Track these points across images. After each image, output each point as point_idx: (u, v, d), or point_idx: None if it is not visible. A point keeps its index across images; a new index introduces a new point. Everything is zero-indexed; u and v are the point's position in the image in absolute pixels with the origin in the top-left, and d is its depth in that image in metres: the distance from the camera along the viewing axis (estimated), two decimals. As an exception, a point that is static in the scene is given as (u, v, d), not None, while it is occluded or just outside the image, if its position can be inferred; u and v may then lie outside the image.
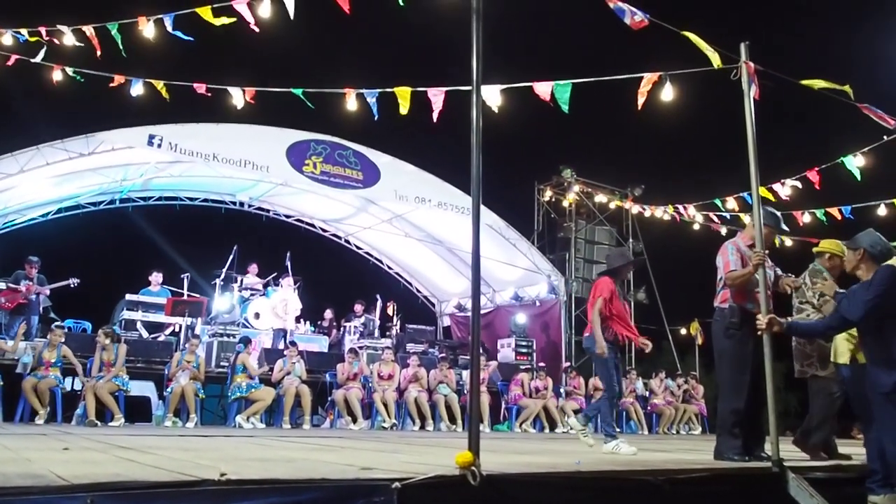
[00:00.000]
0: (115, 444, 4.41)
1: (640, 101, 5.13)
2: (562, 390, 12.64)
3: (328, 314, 13.78)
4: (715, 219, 12.58)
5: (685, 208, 12.75)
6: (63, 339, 9.07)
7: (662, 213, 13.44)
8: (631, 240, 17.17)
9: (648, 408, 12.92)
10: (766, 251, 4.47)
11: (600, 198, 16.43)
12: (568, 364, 13.83)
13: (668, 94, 5.21)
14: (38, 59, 7.36)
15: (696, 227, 13.02)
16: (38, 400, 8.51)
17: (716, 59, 4.52)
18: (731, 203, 11.25)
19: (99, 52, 7.15)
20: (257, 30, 6.04)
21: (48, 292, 10.87)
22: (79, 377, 9.10)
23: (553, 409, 11.93)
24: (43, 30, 7.08)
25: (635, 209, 15.64)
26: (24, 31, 7.20)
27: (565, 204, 16.72)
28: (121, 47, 6.81)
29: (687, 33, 4.54)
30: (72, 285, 10.91)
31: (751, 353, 4.51)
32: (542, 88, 5.67)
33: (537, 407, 11.77)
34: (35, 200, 12.08)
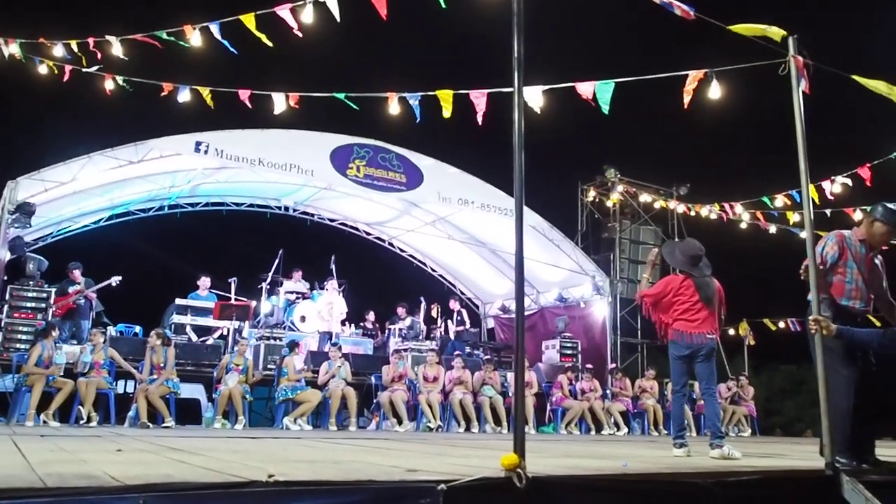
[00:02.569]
0: (167, 446, 4.50)
1: (686, 99, 5.04)
2: (608, 392, 12.52)
3: (371, 317, 13.88)
4: (762, 217, 12.32)
5: (732, 207, 12.51)
6: (104, 340, 9.28)
7: (709, 212, 13.21)
8: (677, 239, 16.87)
9: (695, 409, 12.70)
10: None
11: (645, 197, 16.20)
12: (614, 365, 13.68)
13: (714, 91, 5.10)
14: (93, 69, 7.57)
15: (744, 225, 12.77)
16: (88, 401, 8.72)
17: (775, 33, 4.34)
18: (780, 201, 11.00)
19: (148, 60, 7.33)
20: (300, 35, 6.11)
21: (94, 295, 11.18)
22: (134, 379, 9.31)
23: (599, 411, 11.82)
24: (91, 41, 7.28)
25: (681, 208, 15.39)
26: (73, 44, 7.42)
27: (609, 204, 16.54)
28: (180, 43, 6.94)
29: (735, 26, 4.43)
30: (113, 284, 11.16)
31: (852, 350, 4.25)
32: (585, 88, 5.62)
33: (581, 408, 11.68)
34: (88, 208, 12.43)
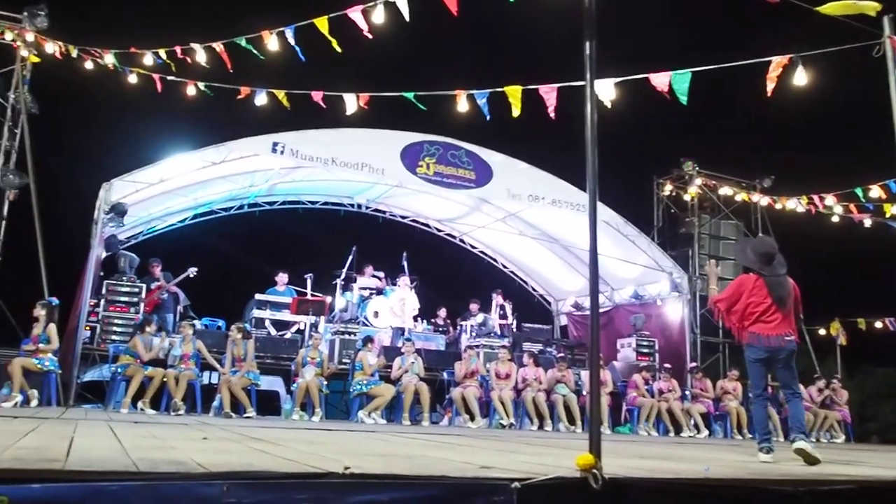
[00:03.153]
0: (248, 436, 4.64)
1: (770, 86, 4.86)
2: (687, 393, 12.19)
3: (442, 313, 13.94)
4: (856, 210, 11.74)
5: (821, 199, 11.97)
6: (192, 332, 9.66)
7: (795, 204, 12.69)
8: (761, 234, 16.29)
9: (781, 413, 12.22)
10: None
11: (725, 190, 15.70)
12: (694, 365, 13.27)
13: (800, 78, 4.90)
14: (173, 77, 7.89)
15: (835, 218, 12.19)
16: (179, 392, 9.11)
17: (870, 6, 4.12)
18: (875, 191, 10.44)
19: (229, 66, 7.59)
20: (370, 37, 6.19)
21: (175, 288, 11.68)
22: (216, 371, 9.67)
23: (678, 413, 11.51)
24: (178, 49, 7.59)
25: (764, 201, 14.87)
26: (161, 52, 7.75)
27: (687, 198, 16.09)
28: (255, 52, 7.16)
29: (825, 6, 4.23)
30: (191, 275, 11.65)
31: None
32: (659, 80, 5.50)
33: (654, 405, 11.41)
34: (174, 207, 12.95)
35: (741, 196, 15.62)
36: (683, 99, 5.29)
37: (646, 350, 13.79)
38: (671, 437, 11.00)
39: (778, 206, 13.07)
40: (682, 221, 16.21)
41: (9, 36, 10.56)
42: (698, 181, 15.82)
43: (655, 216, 16.52)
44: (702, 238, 15.98)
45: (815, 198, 11.97)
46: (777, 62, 4.79)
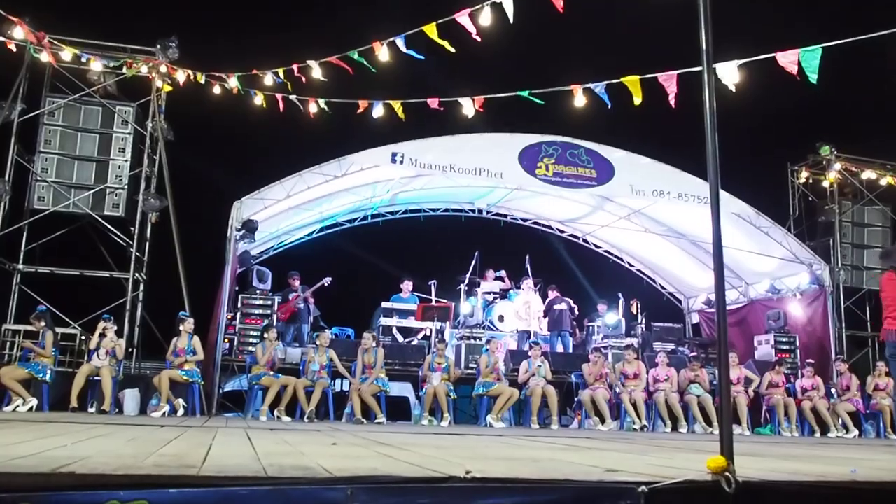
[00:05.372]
0: (376, 441, 4.75)
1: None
2: (832, 390, 11.38)
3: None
4: None
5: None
6: (327, 343, 10.03)
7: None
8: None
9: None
10: None
11: (868, 174, 14.56)
12: (839, 361, 12.35)
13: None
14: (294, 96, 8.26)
15: None
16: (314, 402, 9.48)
17: None
18: None
19: (345, 81, 7.86)
20: (479, 39, 6.21)
21: (311, 297, 12.21)
22: (347, 379, 10.00)
23: (824, 412, 10.78)
24: (295, 67, 7.94)
25: (913, 185, 13.72)
26: (280, 71, 8.14)
27: (825, 185, 15.04)
28: (367, 65, 7.38)
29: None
30: (326, 284, 12.20)
31: None
32: (787, 58, 5.17)
33: (791, 405, 10.74)
34: (301, 222, 13.55)
35: (886, 180, 14.44)
36: (813, 78, 4.94)
37: (785, 346, 13.02)
38: (816, 437, 10.29)
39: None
40: (820, 210, 15.17)
41: (144, 69, 11.43)
42: (837, 166, 14.76)
43: (791, 206, 15.56)
44: (843, 226, 14.88)
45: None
46: (920, 29, 4.38)
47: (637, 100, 6.47)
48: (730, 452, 2.47)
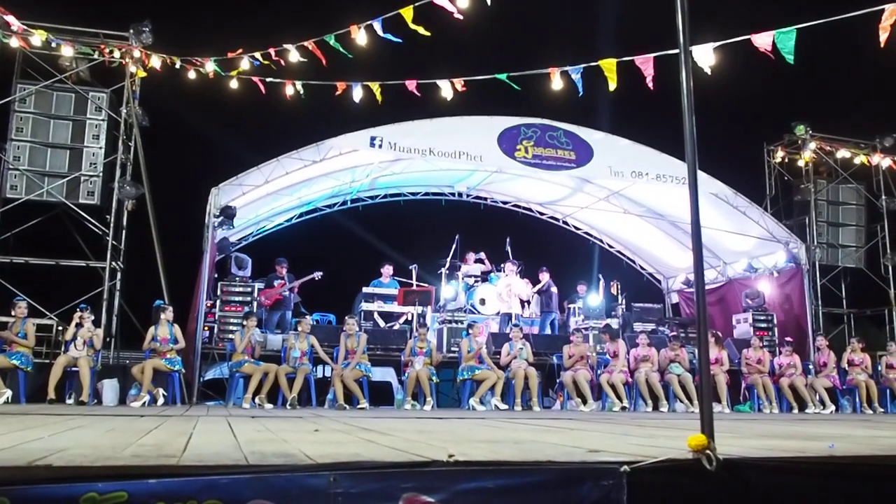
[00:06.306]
0: (359, 427, 4.75)
1: (883, 37, 4.48)
2: (810, 367, 11.57)
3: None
4: None
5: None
6: (309, 330, 9.99)
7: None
8: (884, 197, 15.20)
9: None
10: None
11: (843, 153, 14.73)
12: (817, 338, 12.53)
13: (919, 23, 4.50)
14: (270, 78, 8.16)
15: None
16: (296, 388, 9.45)
17: None
18: None
19: (325, 62, 7.77)
20: (461, 17, 6.15)
21: (298, 287, 12.11)
22: (329, 365, 9.98)
23: (801, 388, 10.95)
24: (272, 51, 7.84)
25: (886, 163, 13.90)
26: (258, 55, 8.04)
27: (801, 164, 15.21)
28: (343, 51, 7.31)
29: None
30: (316, 278, 12.14)
31: None
32: (762, 40, 5.18)
33: (768, 383, 10.92)
34: (280, 207, 13.44)
35: (860, 158, 14.62)
36: (790, 58, 4.96)
37: (763, 325, 13.19)
38: (794, 414, 10.46)
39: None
40: (796, 189, 15.35)
41: (117, 54, 11.22)
42: (812, 145, 14.90)
43: (768, 185, 15.72)
44: (819, 205, 15.08)
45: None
46: (890, 10, 4.41)
47: (612, 85, 6.47)
48: (710, 430, 2.50)
